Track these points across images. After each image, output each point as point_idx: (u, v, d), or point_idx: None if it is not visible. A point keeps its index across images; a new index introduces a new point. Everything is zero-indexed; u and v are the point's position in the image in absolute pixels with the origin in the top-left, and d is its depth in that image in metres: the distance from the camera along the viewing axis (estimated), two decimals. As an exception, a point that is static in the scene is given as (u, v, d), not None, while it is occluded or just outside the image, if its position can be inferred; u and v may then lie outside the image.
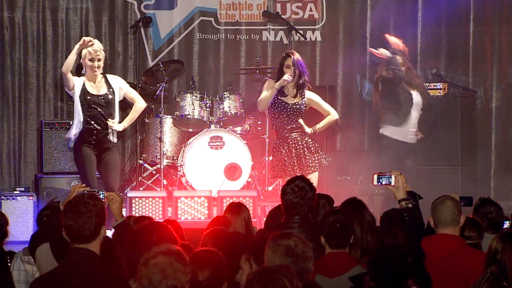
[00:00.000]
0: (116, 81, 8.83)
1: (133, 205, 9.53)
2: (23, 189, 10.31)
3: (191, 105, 10.46)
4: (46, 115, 11.63)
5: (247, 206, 6.99)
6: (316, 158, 8.85)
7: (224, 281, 4.53)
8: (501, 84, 11.94)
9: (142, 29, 11.61)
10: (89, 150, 8.64)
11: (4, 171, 11.65)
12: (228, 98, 10.52)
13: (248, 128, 10.73)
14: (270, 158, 9.57)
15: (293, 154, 8.80)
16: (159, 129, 10.44)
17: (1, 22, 11.66)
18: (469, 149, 10.87)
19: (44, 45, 11.74)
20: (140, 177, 10.45)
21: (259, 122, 10.69)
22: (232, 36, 11.95)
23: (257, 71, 10.86)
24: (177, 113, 10.52)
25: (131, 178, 10.75)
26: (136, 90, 9.28)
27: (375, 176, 6.28)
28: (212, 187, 10.01)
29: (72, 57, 8.61)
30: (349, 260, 5.38)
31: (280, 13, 11.33)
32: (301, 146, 8.83)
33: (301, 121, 8.87)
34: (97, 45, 8.67)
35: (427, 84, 10.70)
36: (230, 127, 10.54)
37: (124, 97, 8.87)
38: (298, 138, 8.85)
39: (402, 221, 5.90)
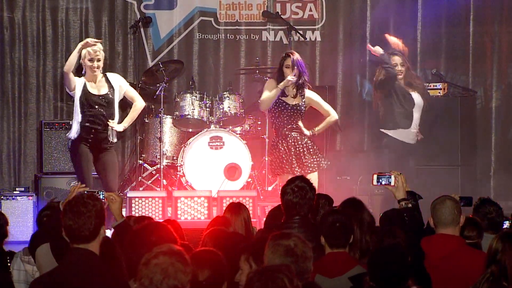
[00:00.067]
0: (116, 79, 8.82)
1: (133, 205, 9.53)
2: (23, 189, 10.32)
3: (191, 105, 10.46)
4: (46, 115, 11.63)
5: (247, 206, 6.99)
6: (315, 159, 8.85)
7: (224, 281, 4.53)
8: (501, 84, 11.94)
9: (142, 29, 11.61)
10: (86, 149, 8.64)
11: (4, 171, 11.65)
12: (228, 98, 10.52)
13: (248, 128, 10.73)
14: (267, 159, 9.55)
15: (292, 152, 8.80)
16: (159, 129, 10.44)
17: (1, 22, 11.66)
18: (469, 149, 10.87)
19: (44, 45, 11.74)
20: (140, 177, 10.45)
21: (259, 122, 10.69)
22: (232, 36, 11.95)
23: (257, 71, 10.86)
24: (177, 113, 10.52)
25: (131, 178, 10.75)
26: (136, 90, 9.28)
27: (375, 176, 6.28)
28: (212, 187, 10.01)
29: (73, 56, 8.59)
30: (349, 260, 5.38)
31: (280, 13, 11.33)
32: (301, 146, 8.83)
33: (300, 123, 8.88)
34: (97, 45, 8.66)
35: (427, 84, 10.69)
36: (230, 127, 10.54)
37: (124, 96, 8.87)
38: (298, 138, 8.85)
39: (402, 221, 5.90)
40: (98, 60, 8.62)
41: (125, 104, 9.28)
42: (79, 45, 8.64)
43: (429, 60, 11.84)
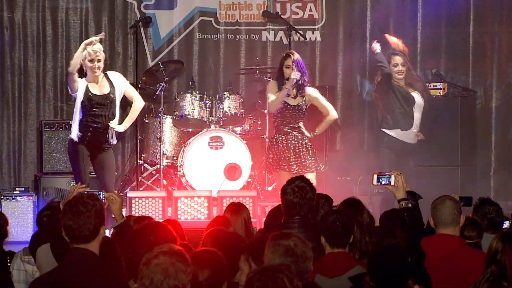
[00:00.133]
0: (117, 78, 8.81)
1: (133, 205, 9.54)
2: (23, 189, 10.31)
3: (191, 105, 10.46)
4: (46, 115, 11.63)
5: (247, 206, 6.99)
6: (314, 160, 8.85)
7: (224, 281, 4.53)
8: (501, 84, 11.94)
9: (142, 29, 11.61)
10: (84, 148, 8.64)
11: (4, 171, 11.65)
12: (228, 98, 10.52)
13: (248, 128, 10.74)
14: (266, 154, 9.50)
15: (291, 151, 8.79)
16: (159, 129, 10.44)
17: (1, 22, 11.66)
18: (469, 149, 10.87)
19: (44, 45, 11.74)
20: (140, 177, 10.45)
21: (259, 122, 10.69)
22: (232, 36, 11.95)
23: (257, 71, 10.86)
24: (177, 113, 10.53)
25: (131, 178, 10.75)
26: (136, 90, 9.28)
27: (375, 176, 6.28)
28: (212, 187, 10.02)
29: (78, 55, 8.57)
30: (349, 260, 5.38)
31: (280, 13, 11.33)
32: (301, 145, 8.83)
33: (301, 124, 8.88)
34: (97, 46, 8.66)
35: (427, 84, 10.69)
36: (230, 127, 10.54)
37: (124, 94, 8.86)
38: (299, 137, 8.85)
39: (402, 221, 5.89)
40: (99, 61, 8.62)
41: (126, 104, 9.29)
42: (83, 44, 8.62)
43: (429, 60, 11.84)
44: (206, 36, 11.95)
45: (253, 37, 11.96)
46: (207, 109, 10.54)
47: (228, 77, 11.66)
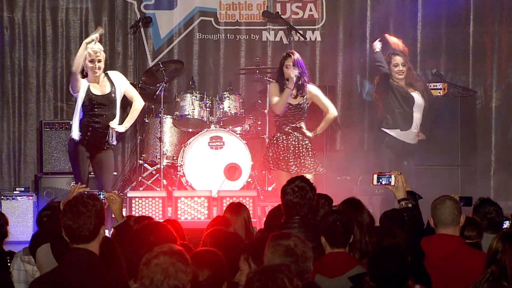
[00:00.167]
0: (117, 77, 8.81)
1: (133, 205, 9.54)
2: (23, 189, 10.31)
3: (191, 105, 10.47)
4: (46, 115, 11.63)
5: (247, 206, 6.99)
6: (313, 161, 8.85)
7: (224, 281, 4.54)
8: (501, 84, 11.94)
9: (142, 29, 11.61)
10: (83, 148, 8.63)
11: (4, 171, 11.66)
12: (228, 98, 10.52)
13: (248, 128, 10.74)
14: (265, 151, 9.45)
15: (291, 151, 8.79)
16: (159, 129, 10.44)
17: (1, 22, 11.66)
18: (469, 149, 10.87)
19: (44, 45, 11.74)
20: (140, 177, 10.45)
21: (259, 122, 10.70)
22: (232, 36, 11.95)
23: (257, 71, 10.85)
24: (177, 113, 10.53)
25: (131, 178, 10.75)
26: (136, 90, 9.27)
27: (375, 176, 6.28)
28: (212, 187, 10.02)
29: (80, 54, 8.54)
30: (349, 260, 5.38)
31: (280, 13, 11.33)
32: (301, 146, 8.83)
33: (303, 124, 8.87)
34: (97, 46, 8.65)
35: (427, 84, 10.68)
36: (230, 127, 10.55)
37: (124, 94, 8.86)
38: (300, 138, 8.85)
39: (402, 221, 5.89)
40: (99, 61, 8.61)
41: (126, 104, 9.29)
42: (84, 44, 8.59)
43: (429, 60, 11.84)
44: (206, 36, 11.95)
45: (253, 37, 11.96)
46: (207, 109, 10.54)
47: (228, 77, 11.66)
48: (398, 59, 9.67)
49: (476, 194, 7.12)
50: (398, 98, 9.59)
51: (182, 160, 10.32)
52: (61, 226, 4.49)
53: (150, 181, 10.54)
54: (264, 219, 7.16)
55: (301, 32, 10.66)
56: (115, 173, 10.38)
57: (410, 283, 4.71)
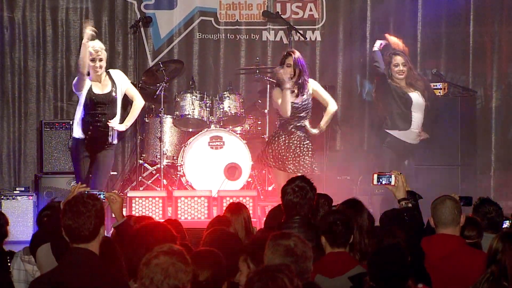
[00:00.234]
0: (118, 76, 8.79)
1: (133, 205, 9.54)
2: (23, 189, 10.31)
3: (191, 105, 10.47)
4: (46, 115, 11.63)
5: (247, 206, 7.00)
6: (310, 162, 8.85)
7: (224, 281, 4.54)
8: (501, 84, 11.94)
9: (142, 29, 11.61)
10: (84, 147, 8.62)
11: (4, 171, 11.65)
12: (228, 98, 10.53)
13: (248, 128, 10.74)
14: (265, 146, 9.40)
15: (291, 150, 8.77)
16: (159, 129, 10.44)
17: (1, 22, 11.66)
18: (469, 149, 10.87)
19: (44, 45, 11.74)
20: (140, 177, 10.45)
21: (259, 122, 10.70)
22: (232, 36, 11.95)
23: (257, 71, 10.85)
24: (177, 113, 10.53)
25: (131, 178, 10.75)
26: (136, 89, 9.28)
27: (375, 176, 6.28)
28: (212, 187, 10.02)
29: (84, 55, 8.49)
30: (349, 260, 5.38)
31: (280, 13, 11.33)
32: (302, 145, 8.82)
33: (307, 123, 8.87)
34: (99, 44, 8.64)
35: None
36: (230, 127, 10.55)
37: (124, 93, 8.85)
38: (302, 137, 8.83)
39: (402, 221, 5.89)
40: (100, 60, 8.60)
41: (126, 102, 9.28)
42: (84, 44, 8.52)
43: (429, 60, 11.84)
44: (206, 36, 11.95)
45: (253, 37, 11.96)
46: (207, 109, 10.54)
47: (228, 77, 11.66)
48: (398, 59, 9.66)
49: (476, 194, 7.12)
50: (396, 99, 9.59)
51: (182, 160, 10.32)
52: (61, 226, 4.49)
53: (150, 181, 10.53)
54: (264, 219, 7.16)
55: (301, 32, 10.66)
56: (115, 173, 10.39)
57: (410, 283, 4.71)
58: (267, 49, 11.92)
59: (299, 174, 8.47)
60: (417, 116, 9.61)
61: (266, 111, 10.43)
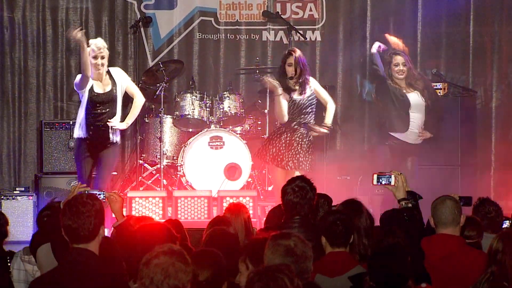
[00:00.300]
0: (119, 74, 8.79)
1: (133, 205, 9.54)
2: (23, 189, 10.31)
3: (191, 105, 10.47)
4: (46, 115, 11.62)
5: (247, 206, 7.01)
6: (309, 159, 8.85)
7: (224, 281, 4.54)
8: (501, 84, 11.94)
9: (142, 29, 11.60)
10: (86, 147, 8.62)
11: (4, 171, 11.65)
12: (228, 98, 10.53)
13: (248, 128, 10.74)
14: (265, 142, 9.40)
15: (293, 147, 8.78)
16: (159, 129, 10.44)
17: (1, 22, 11.65)
18: (469, 149, 10.86)
19: (44, 45, 11.74)
20: (140, 177, 10.45)
21: (259, 122, 10.70)
22: (232, 36, 11.95)
23: (257, 71, 10.86)
24: (177, 113, 10.53)
25: (131, 178, 10.75)
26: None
27: (375, 176, 6.28)
28: (212, 187, 10.02)
29: (85, 56, 8.47)
30: (349, 260, 5.38)
31: (280, 13, 11.33)
32: (304, 142, 8.83)
33: (312, 120, 8.89)
34: (101, 42, 8.63)
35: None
36: (230, 127, 10.55)
37: (125, 91, 8.84)
38: (304, 134, 8.86)
39: (402, 221, 5.89)
40: (102, 58, 8.59)
41: (127, 101, 9.27)
42: (83, 47, 8.51)
43: (429, 60, 11.84)
44: (206, 36, 11.95)
45: (253, 37, 11.95)
46: (207, 109, 10.54)
47: (228, 77, 11.66)
48: (399, 59, 9.65)
49: (476, 194, 7.11)
50: (393, 101, 9.58)
51: (182, 160, 10.32)
52: (61, 226, 4.49)
53: (150, 181, 10.53)
54: (264, 219, 7.16)
55: (301, 32, 10.66)
56: (115, 173, 10.38)
57: (410, 283, 4.70)
58: (267, 49, 11.92)
59: (298, 172, 8.53)
60: (416, 117, 9.59)
61: (266, 111, 10.43)
